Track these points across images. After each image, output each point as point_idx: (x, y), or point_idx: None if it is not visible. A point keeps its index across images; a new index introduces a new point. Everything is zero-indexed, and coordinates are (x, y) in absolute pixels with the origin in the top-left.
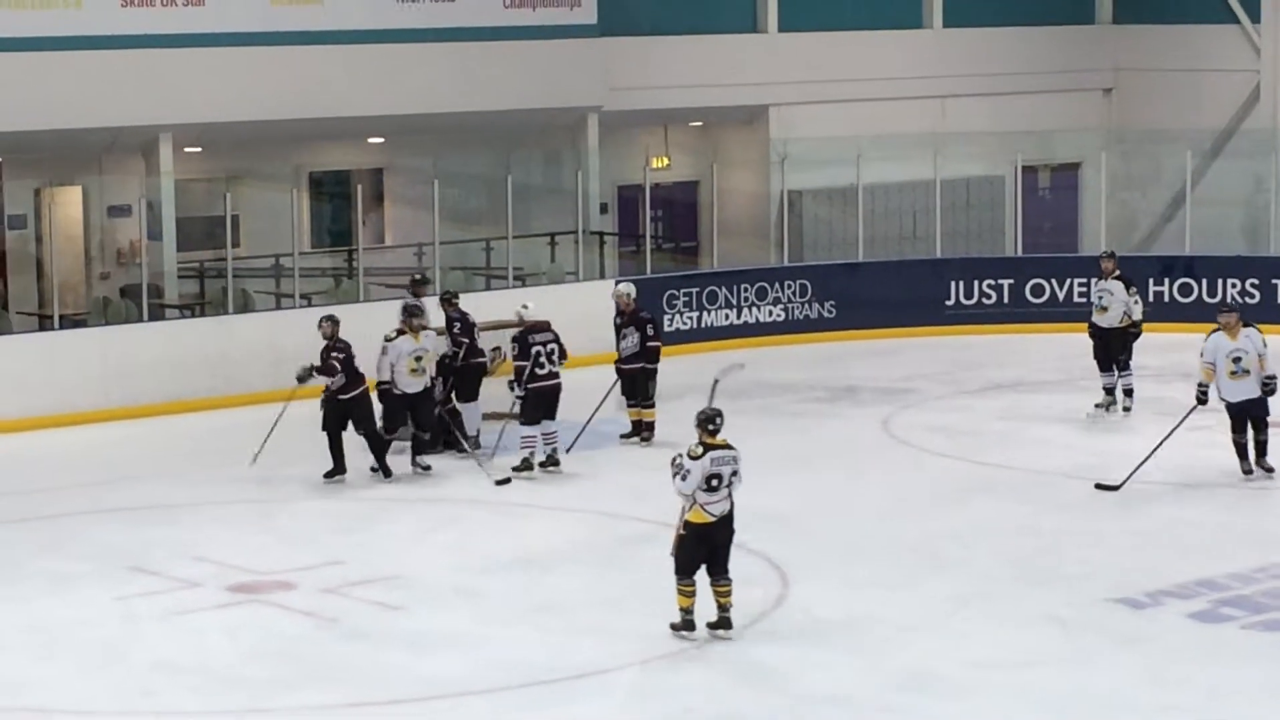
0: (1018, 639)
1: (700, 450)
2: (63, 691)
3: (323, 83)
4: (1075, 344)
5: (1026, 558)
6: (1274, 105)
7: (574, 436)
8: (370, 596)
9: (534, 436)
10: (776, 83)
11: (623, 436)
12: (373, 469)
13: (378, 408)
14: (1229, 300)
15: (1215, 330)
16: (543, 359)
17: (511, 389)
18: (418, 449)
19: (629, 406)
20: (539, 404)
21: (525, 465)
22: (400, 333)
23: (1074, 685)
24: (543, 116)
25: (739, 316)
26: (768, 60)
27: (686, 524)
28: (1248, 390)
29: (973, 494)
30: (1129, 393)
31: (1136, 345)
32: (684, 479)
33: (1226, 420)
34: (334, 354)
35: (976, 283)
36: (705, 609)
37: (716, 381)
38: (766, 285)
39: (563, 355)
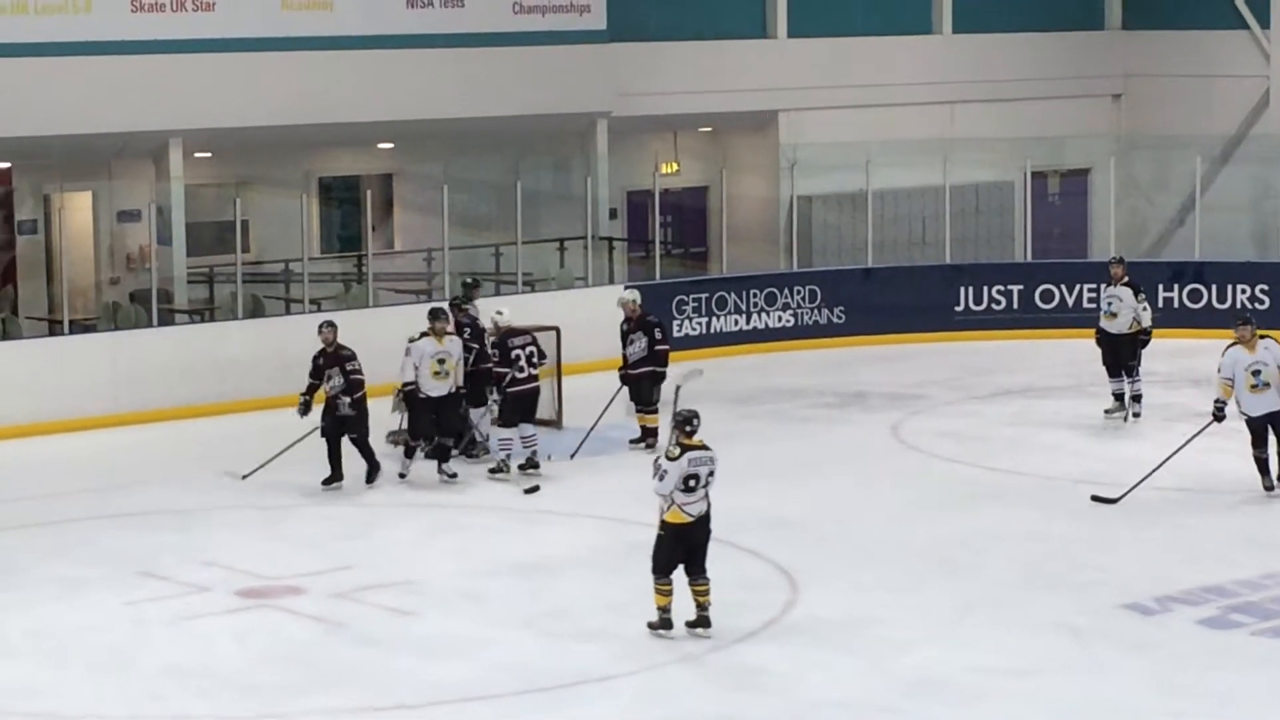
0: (1026, 645)
1: (678, 451)
2: (72, 697)
3: (332, 88)
4: (1085, 350)
5: (1035, 563)
6: None
7: (579, 442)
8: (378, 601)
9: (510, 439)
10: (786, 88)
11: (632, 442)
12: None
13: (374, 413)
14: (1239, 306)
15: (1232, 344)
16: (522, 363)
17: (489, 393)
18: (443, 456)
19: (638, 412)
20: (516, 407)
21: (501, 468)
22: (424, 334)
23: (1083, 691)
24: (552, 122)
25: (748, 322)
26: (777, 66)
27: (664, 524)
28: (1269, 403)
29: (982, 500)
30: (1138, 399)
31: (1145, 351)
32: (661, 479)
33: (1231, 426)
34: (349, 365)
35: (986, 288)
36: (704, 608)
37: (679, 388)
38: (776, 291)
39: (542, 357)
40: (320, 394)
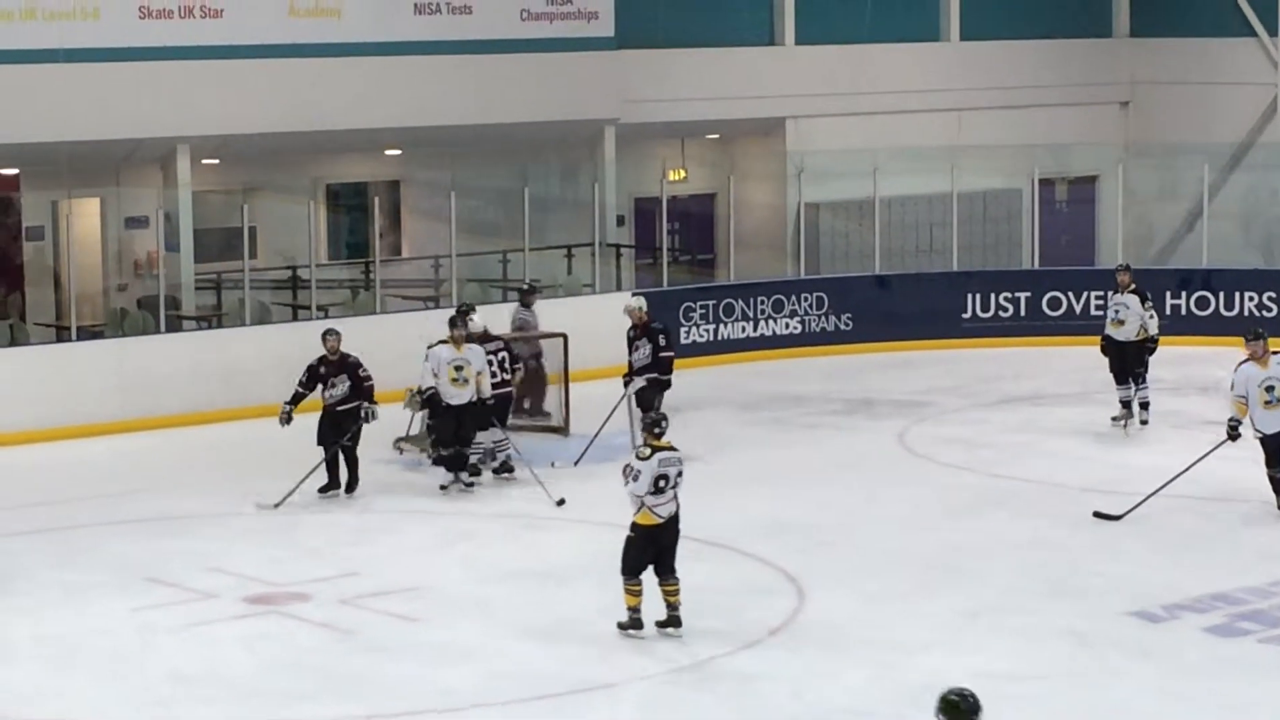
0: (1033, 652)
1: (648, 452)
2: (78, 702)
3: (340, 94)
4: (1092, 357)
5: (1042, 570)
6: None
7: (583, 449)
8: (386, 608)
9: (482, 443)
10: (793, 95)
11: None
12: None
13: (380, 421)
14: (1247, 314)
15: (1244, 361)
16: (494, 367)
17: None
18: (462, 465)
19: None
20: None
21: (474, 471)
22: (442, 341)
23: (1089, 699)
24: (560, 129)
25: (755, 329)
26: (785, 73)
27: (634, 526)
28: None
29: (989, 507)
30: (1145, 406)
31: (1153, 358)
32: (635, 479)
33: (1243, 438)
34: (361, 372)
35: (993, 295)
36: (674, 608)
37: (624, 397)
38: (783, 298)
39: (515, 361)
40: (315, 403)
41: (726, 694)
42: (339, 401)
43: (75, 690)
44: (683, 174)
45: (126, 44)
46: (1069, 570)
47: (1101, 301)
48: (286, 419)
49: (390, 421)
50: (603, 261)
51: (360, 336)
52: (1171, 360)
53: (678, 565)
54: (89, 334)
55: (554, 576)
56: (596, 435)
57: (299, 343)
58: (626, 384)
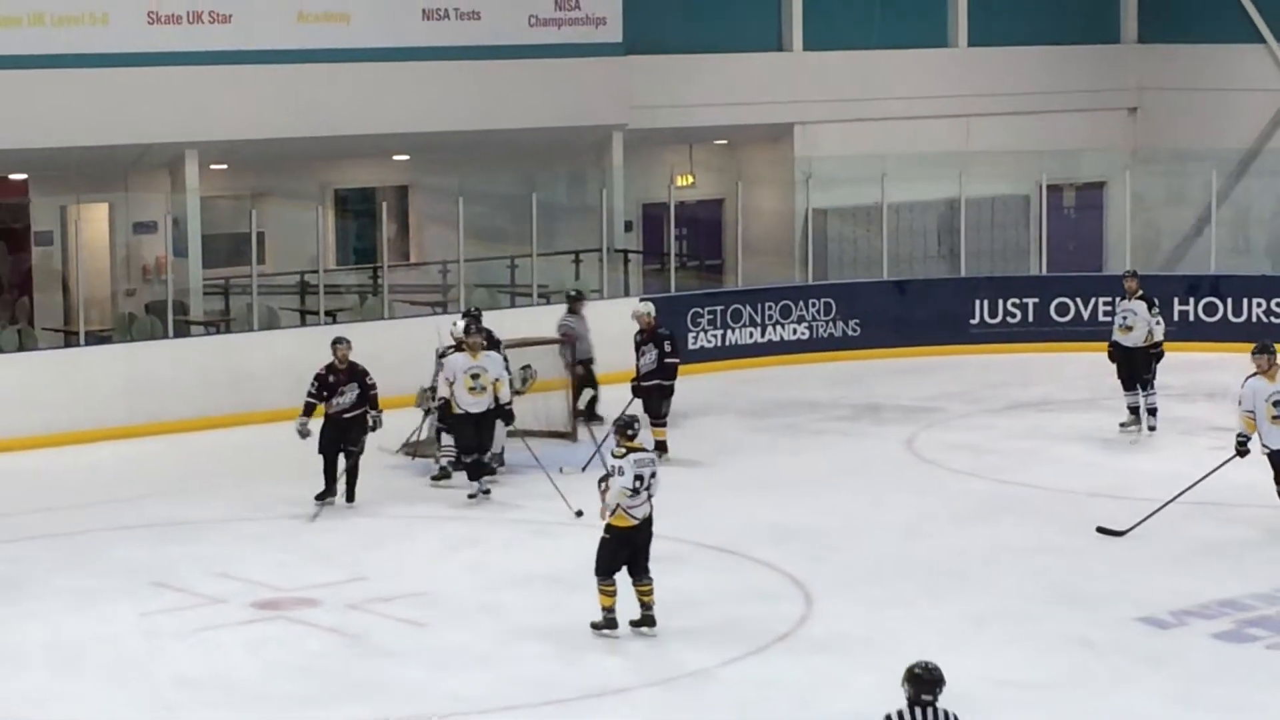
0: (1041, 658)
1: (623, 451)
2: (86, 707)
3: (348, 100)
4: (1100, 363)
5: (1050, 577)
6: None
7: (589, 455)
8: (394, 613)
9: (455, 446)
10: (801, 101)
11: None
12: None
13: (385, 429)
14: (1254, 320)
15: (1251, 375)
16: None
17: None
18: (478, 472)
19: (652, 425)
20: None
21: (444, 474)
22: (456, 349)
23: (1097, 705)
24: (568, 134)
25: (763, 335)
26: (793, 79)
27: (609, 527)
28: None
29: (996, 513)
30: (1153, 412)
31: (1160, 365)
32: (621, 474)
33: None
34: (368, 380)
35: (1001, 301)
36: (648, 608)
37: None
38: (791, 303)
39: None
40: (319, 409)
41: (734, 700)
42: (346, 409)
43: (83, 694)
44: (691, 179)
45: (135, 49)
46: (1076, 576)
47: (1109, 307)
48: (306, 431)
49: (396, 428)
50: (611, 267)
51: (368, 342)
52: (1179, 366)
53: (678, 566)
54: (97, 339)
55: (563, 582)
56: (604, 441)
57: (307, 348)
58: (634, 390)
